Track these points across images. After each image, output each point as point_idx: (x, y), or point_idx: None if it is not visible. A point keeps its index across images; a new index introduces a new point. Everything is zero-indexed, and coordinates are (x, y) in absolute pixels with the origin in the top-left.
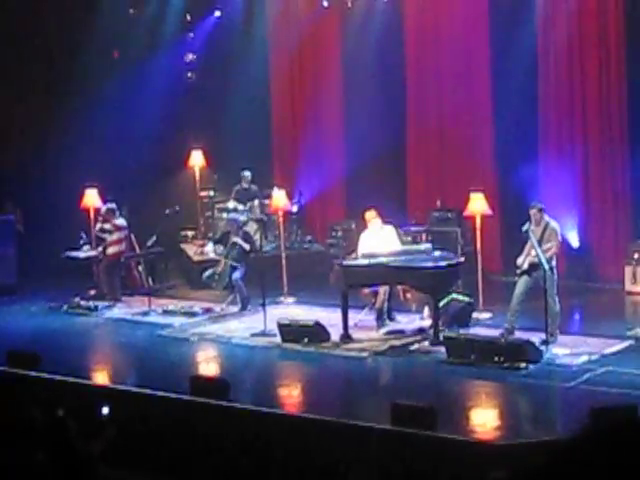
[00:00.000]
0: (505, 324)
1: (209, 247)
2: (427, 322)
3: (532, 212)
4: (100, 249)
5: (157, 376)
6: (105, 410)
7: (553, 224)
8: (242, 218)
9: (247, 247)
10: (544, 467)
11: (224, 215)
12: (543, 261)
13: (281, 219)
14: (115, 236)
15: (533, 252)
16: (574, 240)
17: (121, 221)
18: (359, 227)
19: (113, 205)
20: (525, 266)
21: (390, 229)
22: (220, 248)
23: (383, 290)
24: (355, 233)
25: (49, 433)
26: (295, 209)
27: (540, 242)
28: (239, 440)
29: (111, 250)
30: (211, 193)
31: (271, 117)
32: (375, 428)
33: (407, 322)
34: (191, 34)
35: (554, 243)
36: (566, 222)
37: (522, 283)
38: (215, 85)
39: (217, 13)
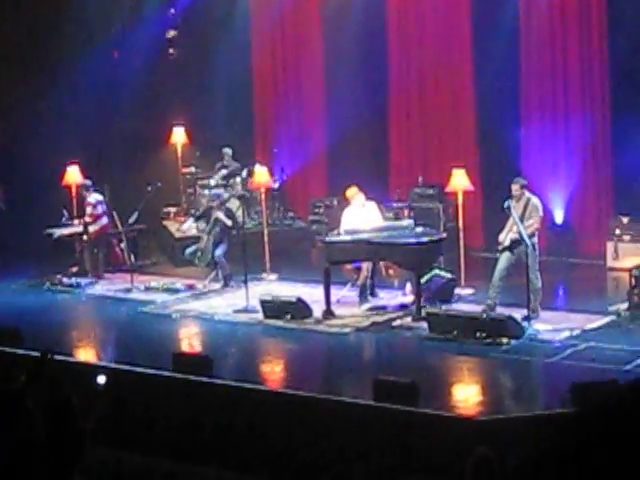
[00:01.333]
0: (487, 300)
1: (188, 224)
2: (409, 298)
3: (514, 188)
4: (81, 227)
5: (140, 353)
6: (101, 379)
7: (534, 200)
8: (225, 195)
9: (229, 223)
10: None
11: (206, 192)
12: (525, 237)
13: (263, 196)
14: (88, 211)
15: (515, 228)
16: (556, 216)
17: (94, 197)
18: (341, 204)
19: (87, 181)
20: (507, 242)
21: (372, 205)
22: (202, 225)
23: (366, 266)
24: (337, 210)
25: (54, 411)
26: (276, 185)
27: (522, 218)
28: (221, 416)
29: (92, 228)
30: (193, 170)
31: (253, 94)
32: (357, 404)
33: (389, 298)
34: (172, 10)
35: (536, 219)
36: (548, 198)
37: (504, 259)
38: (197, 61)
39: None
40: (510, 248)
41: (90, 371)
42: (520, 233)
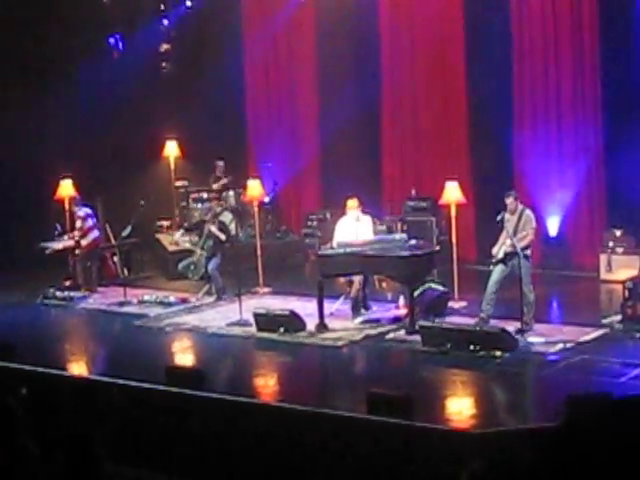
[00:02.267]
0: (481, 313)
1: (177, 235)
2: (402, 311)
3: (508, 201)
4: (74, 241)
5: (133, 366)
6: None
7: (528, 212)
8: (217, 208)
9: (223, 237)
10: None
11: (199, 205)
12: (518, 249)
13: (256, 209)
14: (78, 225)
15: (508, 241)
16: (550, 229)
17: (84, 211)
18: (334, 217)
19: (75, 195)
20: (500, 255)
21: (367, 220)
22: (195, 238)
23: (358, 279)
24: (330, 223)
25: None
26: (267, 199)
27: (516, 230)
28: (214, 430)
29: (85, 241)
30: (186, 183)
31: (245, 107)
32: (351, 417)
33: (383, 311)
34: (165, 22)
35: (530, 231)
36: (541, 211)
37: (497, 272)
38: (189, 75)
39: (188, 2)
40: (504, 261)
41: (83, 385)
42: (514, 246)
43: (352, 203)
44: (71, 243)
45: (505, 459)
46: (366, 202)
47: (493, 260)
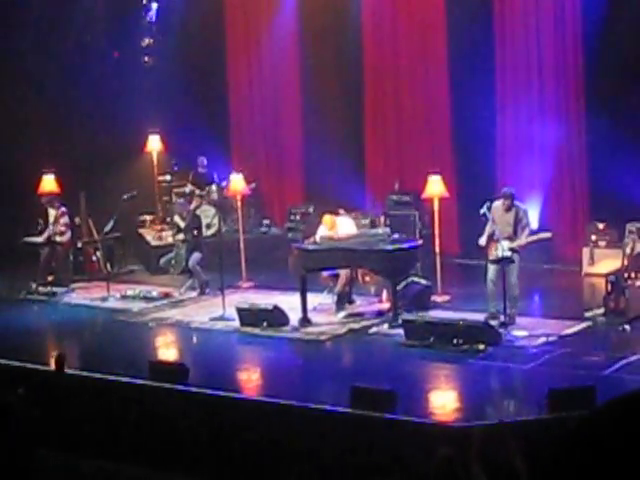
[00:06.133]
0: (491, 309)
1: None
2: (386, 305)
3: (503, 199)
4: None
5: (116, 361)
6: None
7: (523, 207)
8: (193, 204)
9: (182, 225)
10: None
11: (180, 200)
12: (521, 244)
13: (239, 203)
14: (63, 221)
15: (506, 245)
16: (532, 222)
17: (62, 209)
18: (318, 211)
19: (51, 197)
20: (501, 254)
21: (347, 219)
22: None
23: (344, 274)
24: (313, 217)
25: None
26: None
27: (515, 226)
28: (198, 424)
29: (67, 236)
30: (168, 178)
31: (228, 101)
32: (335, 412)
33: (366, 305)
34: (149, 16)
35: (527, 225)
36: (524, 205)
37: (492, 270)
38: (172, 69)
39: None
40: (500, 262)
41: (65, 380)
42: (512, 249)
43: (327, 219)
44: (56, 238)
45: (491, 452)
46: (350, 196)
47: (491, 258)
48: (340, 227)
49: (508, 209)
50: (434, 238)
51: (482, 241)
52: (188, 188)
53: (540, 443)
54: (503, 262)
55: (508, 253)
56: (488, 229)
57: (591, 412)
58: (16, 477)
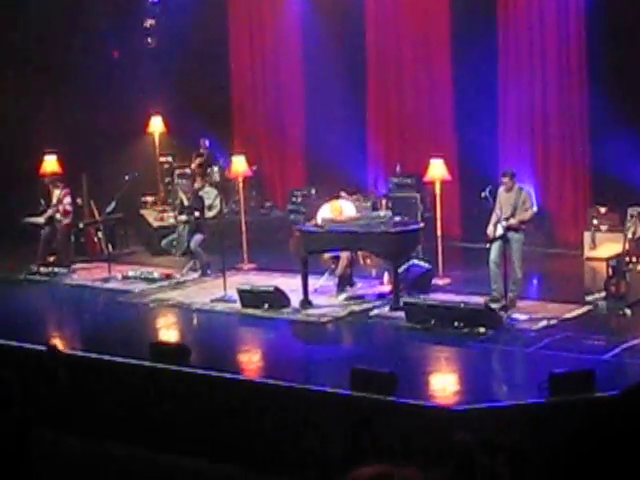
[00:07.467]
0: (493, 292)
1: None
2: (387, 287)
3: (505, 180)
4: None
5: (117, 342)
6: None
7: (526, 189)
8: (196, 184)
9: (185, 202)
10: None
11: (183, 181)
12: (515, 223)
13: (241, 185)
14: (68, 200)
15: (504, 222)
16: (534, 206)
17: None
18: (319, 193)
19: (54, 178)
20: (499, 231)
21: (348, 203)
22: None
23: (345, 256)
24: (315, 199)
25: None
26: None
27: (515, 207)
28: (199, 406)
29: (70, 217)
30: (170, 159)
31: (231, 83)
32: (335, 394)
33: (367, 288)
34: None
35: (530, 208)
36: (527, 186)
37: (494, 249)
38: (175, 51)
39: None
40: (501, 238)
41: (66, 361)
42: (508, 227)
43: (335, 206)
44: (58, 217)
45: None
46: (352, 179)
47: (489, 238)
48: (344, 206)
49: (509, 189)
50: (436, 221)
51: (490, 230)
52: (196, 163)
53: (544, 426)
54: (502, 241)
55: (501, 231)
56: (494, 218)
57: (614, 395)
58: (13, 456)
